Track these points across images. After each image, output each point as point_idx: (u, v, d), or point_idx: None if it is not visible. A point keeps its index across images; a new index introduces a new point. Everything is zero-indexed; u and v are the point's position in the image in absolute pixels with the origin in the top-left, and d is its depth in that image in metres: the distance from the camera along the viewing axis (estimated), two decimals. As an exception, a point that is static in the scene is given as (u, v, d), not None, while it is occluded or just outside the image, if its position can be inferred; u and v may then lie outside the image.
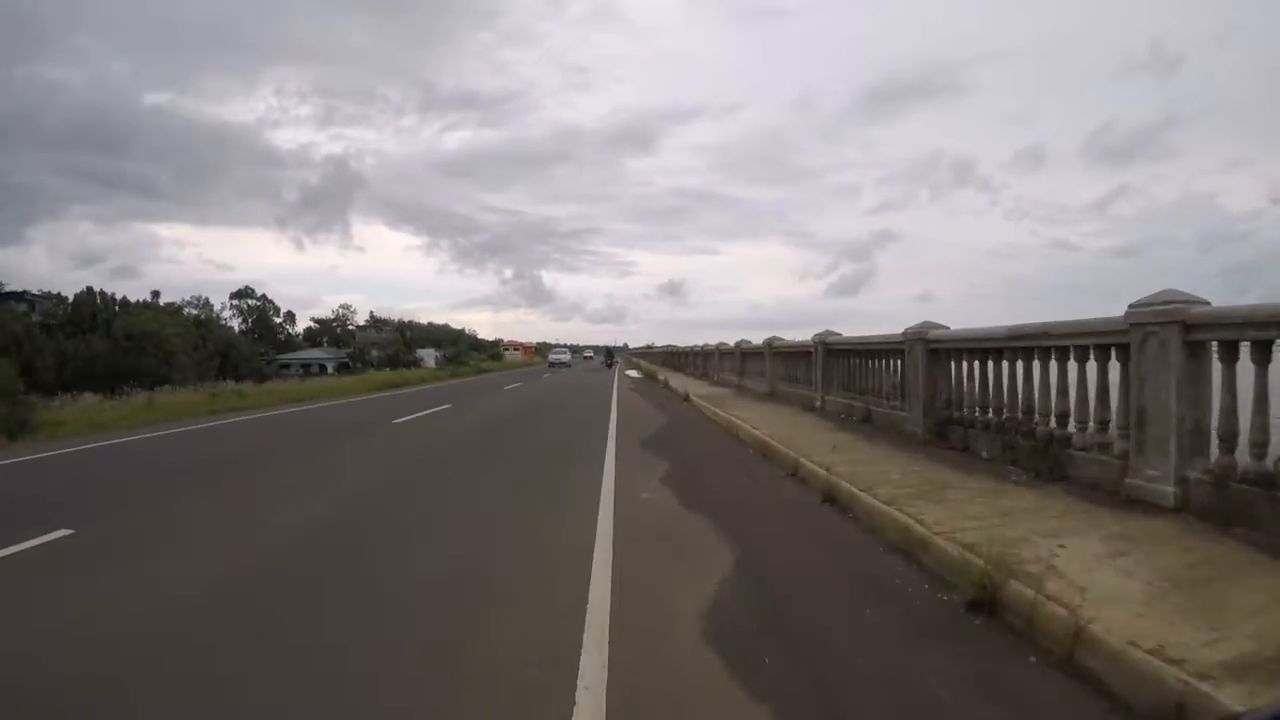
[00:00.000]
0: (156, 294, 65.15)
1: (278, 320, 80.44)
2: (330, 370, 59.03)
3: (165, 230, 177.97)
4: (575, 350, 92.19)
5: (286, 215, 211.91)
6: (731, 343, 22.91)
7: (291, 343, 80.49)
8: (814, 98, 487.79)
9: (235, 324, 75.20)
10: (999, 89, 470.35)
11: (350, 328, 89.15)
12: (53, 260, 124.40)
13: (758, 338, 21.01)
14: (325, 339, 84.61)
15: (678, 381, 22.79)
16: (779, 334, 15.77)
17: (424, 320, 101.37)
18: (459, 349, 62.38)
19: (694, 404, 14.77)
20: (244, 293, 78.41)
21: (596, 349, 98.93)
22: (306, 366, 64.56)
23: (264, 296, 79.83)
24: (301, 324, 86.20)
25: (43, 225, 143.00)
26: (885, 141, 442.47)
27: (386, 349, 72.66)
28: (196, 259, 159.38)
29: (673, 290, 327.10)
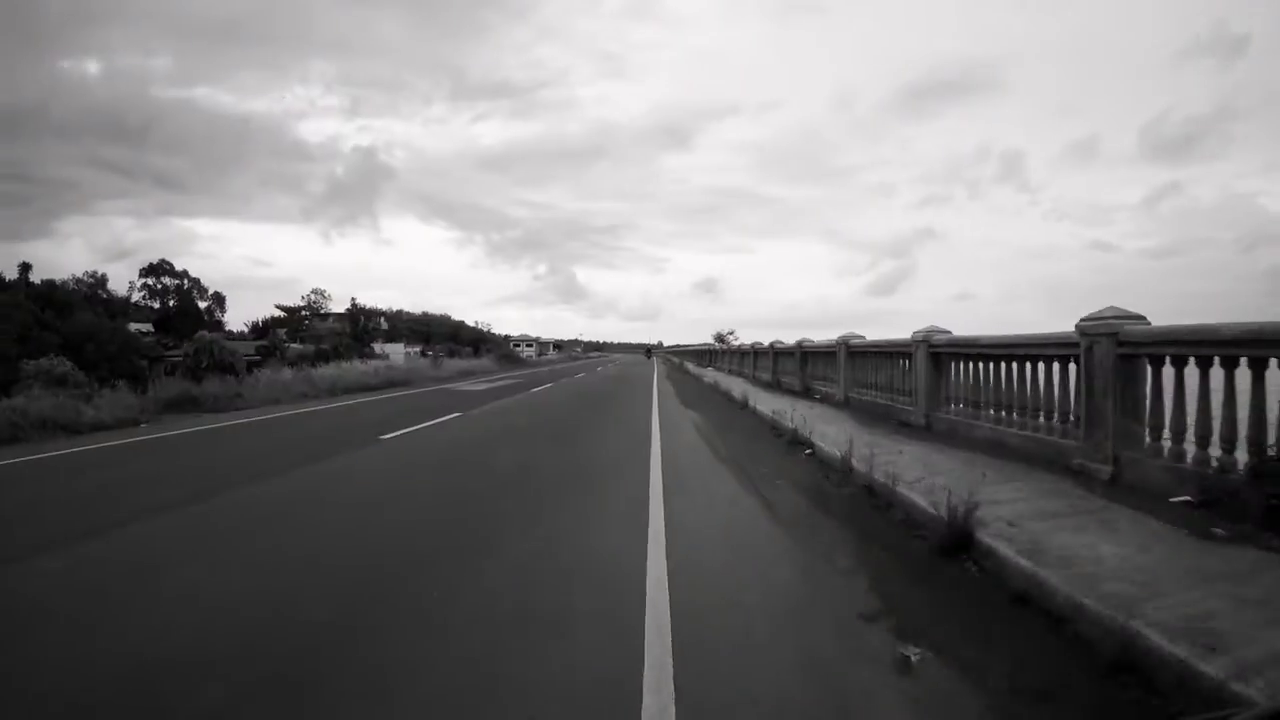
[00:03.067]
0: (27, 266, 52.48)
1: (203, 304, 66.95)
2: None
3: (202, 226, 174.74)
4: (558, 346, 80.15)
5: (319, 210, 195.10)
6: (790, 340, 15.97)
7: (226, 334, 67.75)
8: (851, 95, 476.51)
9: (154, 306, 62.87)
10: (1038, 86, 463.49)
11: (322, 314, 74.95)
12: (91, 254, 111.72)
13: (792, 338, 16.04)
14: (284, 329, 71.02)
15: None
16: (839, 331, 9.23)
17: (459, 317, 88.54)
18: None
19: None
20: (156, 268, 64.12)
21: (586, 345, 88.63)
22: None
23: (184, 273, 66.19)
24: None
25: (73, 219, 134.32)
26: (924, 139, 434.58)
27: (337, 340, 60.36)
28: (232, 254, 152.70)
29: (708, 288, 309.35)
